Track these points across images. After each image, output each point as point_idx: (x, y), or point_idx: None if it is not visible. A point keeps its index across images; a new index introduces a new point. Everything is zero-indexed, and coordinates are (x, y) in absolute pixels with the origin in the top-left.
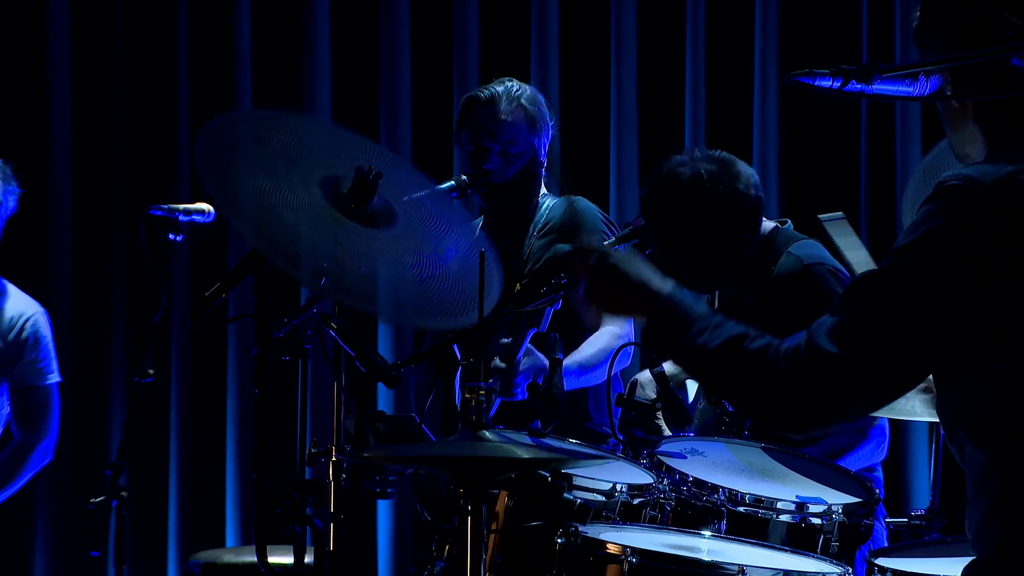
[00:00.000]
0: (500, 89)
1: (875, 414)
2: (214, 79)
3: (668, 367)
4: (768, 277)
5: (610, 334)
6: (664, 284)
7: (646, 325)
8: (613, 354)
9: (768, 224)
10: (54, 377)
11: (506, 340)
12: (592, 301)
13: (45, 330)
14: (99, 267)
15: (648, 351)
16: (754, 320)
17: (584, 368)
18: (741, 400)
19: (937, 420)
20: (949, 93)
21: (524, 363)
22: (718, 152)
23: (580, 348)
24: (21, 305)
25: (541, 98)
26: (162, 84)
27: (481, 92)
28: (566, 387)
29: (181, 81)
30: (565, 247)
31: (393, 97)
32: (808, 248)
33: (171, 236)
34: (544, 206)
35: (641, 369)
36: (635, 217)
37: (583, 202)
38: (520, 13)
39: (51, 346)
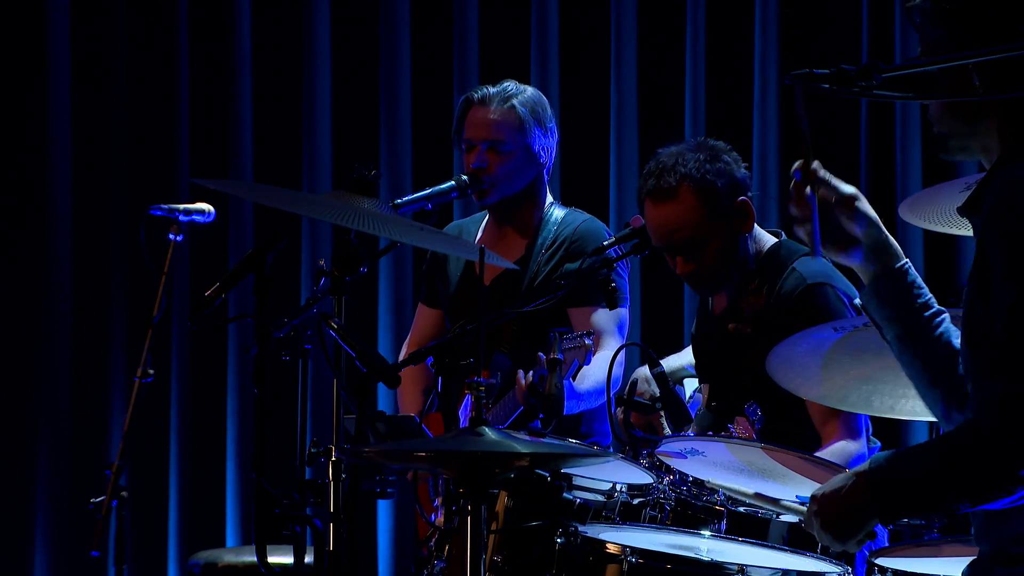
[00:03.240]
0: (494, 90)
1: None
2: (214, 79)
3: (667, 363)
4: (772, 291)
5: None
6: (855, 472)
7: (877, 503)
8: (612, 357)
9: (767, 236)
10: None
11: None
12: (840, 537)
13: None
14: (99, 267)
15: (647, 350)
16: (753, 331)
17: (601, 392)
18: (990, 483)
19: (936, 420)
20: (977, 84)
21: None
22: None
23: (590, 372)
24: None
25: (542, 101)
26: (162, 84)
27: (475, 93)
28: (583, 408)
29: (181, 81)
30: (573, 266)
31: (393, 97)
32: (813, 265)
33: (171, 236)
34: (552, 219)
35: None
36: (634, 216)
37: (594, 222)
38: (520, 13)
39: None
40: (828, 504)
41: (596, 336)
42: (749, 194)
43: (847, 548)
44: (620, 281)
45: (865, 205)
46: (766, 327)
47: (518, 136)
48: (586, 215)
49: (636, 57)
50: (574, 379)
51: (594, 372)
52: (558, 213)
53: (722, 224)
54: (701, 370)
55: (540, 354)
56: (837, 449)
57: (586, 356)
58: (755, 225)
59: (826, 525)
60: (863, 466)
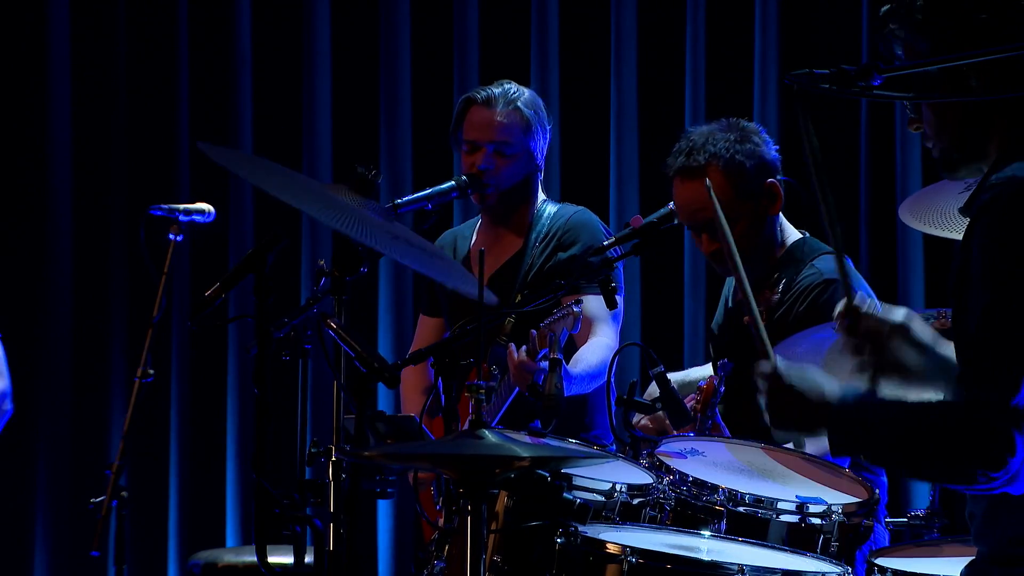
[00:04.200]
0: (497, 91)
1: None
2: (214, 79)
3: (688, 374)
4: (788, 286)
5: (606, 347)
6: (835, 389)
7: (833, 434)
8: (612, 357)
9: (794, 232)
10: None
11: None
12: (775, 420)
13: None
14: (99, 267)
15: (647, 350)
16: (765, 323)
17: (594, 376)
18: (944, 473)
19: None
20: (975, 85)
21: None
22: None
23: (583, 357)
24: None
25: (540, 102)
26: (162, 84)
27: (478, 93)
28: (574, 392)
29: (181, 81)
30: (565, 255)
31: (393, 97)
32: (833, 263)
33: (171, 236)
34: (545, 214)
35: (642, 369)
36: (634, 216)
37: (585, 213)
38: (520, 13)
39: None
40: (787, 395)
41: (589, 322)
42: (779, 177)
43: (777, 434)
44: (615, 272)
45: (919, 330)
46: (779, 319)
47: (524, 138)
48: (578, 207)
49: (636, 57)
50: (565, 355)
51: (587, 357)
52: (551, 208)
53: (749, 204)
54: (714, 362)
55: (532, 331)
56: None
57: (575, 323)
58: (782, 215)
59: (772, 402)
60: (836, 395)
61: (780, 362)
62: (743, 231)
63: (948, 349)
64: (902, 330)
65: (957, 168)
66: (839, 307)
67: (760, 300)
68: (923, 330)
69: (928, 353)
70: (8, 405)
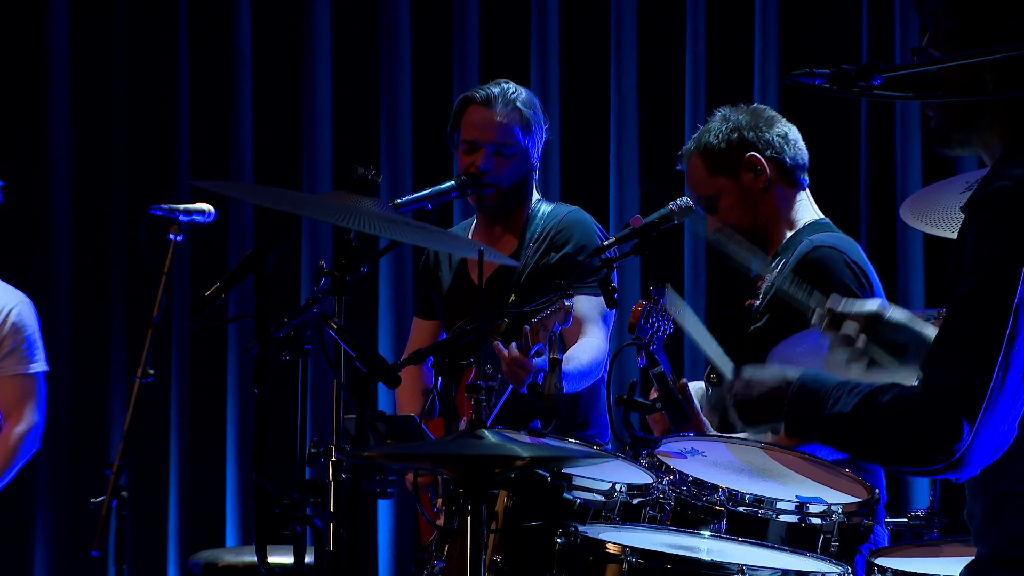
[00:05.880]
0: (496, 91)
1: None
2: (214, 79)
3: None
4: (785, 264)
5: (596, 347)
6: (793, 374)
7: (787, 417)
8: (612, 357)
9: (810, 215)
10: (39, 366)
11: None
12: (743, 420)
13: (29, 319)
14: (99, 267)
15: (647, 348)
16: (760, 303)
17: (584, 375)
18: (888, 454)
19: None
20: (988, 79)
21: (538, 361)
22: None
23: (574, 355)
24: (3, 296)
25: (537, 101)
26: (162, 84)
27: (477, 93)
28: (566, 390)
29: (181, 81)
30: (557, 256)
31: (393, 97)
32: (829, 239)
33: (171, 236)
34: (540, 213)
35: (642, 369)
36: (634, 216)
37: (579, 213)
38: (520, 13)
39: (36, 335)
40: (749, 391)
41: (579, 322)
42: (770, 153)
43: (749, 431)
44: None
45: (896, 313)
46: (771, 298)
47: (523, 138)
48: (571, 207)
49: (636, 57)
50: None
51: (578, 355)
52: (545, 208)
53: (727, 179)
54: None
55: (525, 327)
56: None
57: (566, 318)
58: (809, 200)
59: (738, 405)
60: (795, 374)
61: (744, 371)
62: (729, 204)
63: (929, 330)
64: (877, 317)
65: (951, 147)
66: (816, 315)
67: (759, 286)
68: (899, 313)
69: (909, 334)
70: (37, 444)
